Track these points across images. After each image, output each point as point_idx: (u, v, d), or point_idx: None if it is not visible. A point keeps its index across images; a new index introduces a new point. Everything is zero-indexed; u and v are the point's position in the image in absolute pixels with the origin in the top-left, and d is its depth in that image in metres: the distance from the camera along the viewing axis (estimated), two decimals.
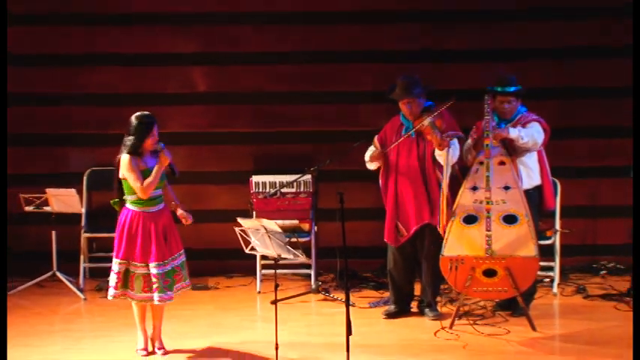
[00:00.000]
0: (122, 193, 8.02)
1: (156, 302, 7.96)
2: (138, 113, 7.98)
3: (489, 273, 8.45)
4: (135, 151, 7.89)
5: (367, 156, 8.92)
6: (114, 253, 8.03)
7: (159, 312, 8.13)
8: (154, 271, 7.89)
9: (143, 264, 7.93)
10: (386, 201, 8.98)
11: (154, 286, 7.90)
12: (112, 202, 8.12)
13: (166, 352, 8.13)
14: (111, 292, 8.03)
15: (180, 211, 8.17)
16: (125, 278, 7.98)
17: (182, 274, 8.08)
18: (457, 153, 8.67)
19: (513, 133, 8.49)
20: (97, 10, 10.65)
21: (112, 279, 8.00)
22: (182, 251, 8.12)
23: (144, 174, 7.89)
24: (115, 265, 8.00)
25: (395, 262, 9.03)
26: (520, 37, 10.55)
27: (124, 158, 7.86)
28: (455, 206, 8.55)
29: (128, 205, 8.00)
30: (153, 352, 8.15)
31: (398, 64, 10.22)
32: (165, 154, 7.92)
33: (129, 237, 7.95)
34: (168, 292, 7.95)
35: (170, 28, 10.70)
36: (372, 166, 8.94)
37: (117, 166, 7.94)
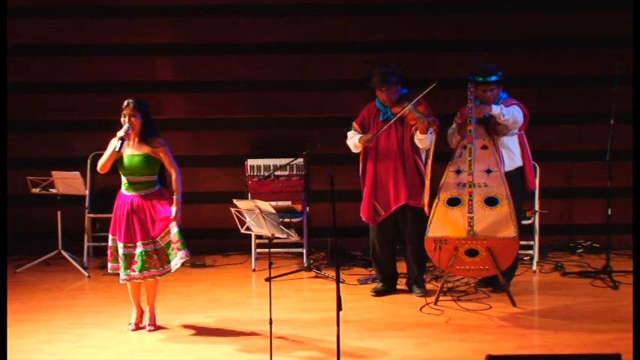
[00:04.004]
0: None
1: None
2: None
3: (471, 253, 8.34)
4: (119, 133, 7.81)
5: (356, 139, 8.73)
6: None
7: (151, 289, 7.98)
8: (119, 250, 7.83)
9: (121, 242, 7.83)
10: (363, 182, 8.85)
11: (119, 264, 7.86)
12: None
13: (155, 329, 7.98)
14: (109, 265, 7.96)
15: (173, 207, 7.85)
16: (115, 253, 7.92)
17: (168, 253, 7.83)
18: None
19: (496, 109, 8.35)
20: (101, 2, 10.50)
21: (108, 253, 7.97)
22: (159, 237, 7.80)
23: (121, 157, 7.81)
24: (109, 240, 7.95)
25: (378, 244, 8.90)
26: (500, 29, 10.43)
27: None
28: (440, 186, 8.43)
29: None
30: (143, 327, 8.02)
31: (385, 53, 10.06)
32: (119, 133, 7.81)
33: (114, 214, 7.91)
34: (132, 273, 7.77)
35: (171, 20, 10.55)
36: (358, 149, 8.79)
37: None
